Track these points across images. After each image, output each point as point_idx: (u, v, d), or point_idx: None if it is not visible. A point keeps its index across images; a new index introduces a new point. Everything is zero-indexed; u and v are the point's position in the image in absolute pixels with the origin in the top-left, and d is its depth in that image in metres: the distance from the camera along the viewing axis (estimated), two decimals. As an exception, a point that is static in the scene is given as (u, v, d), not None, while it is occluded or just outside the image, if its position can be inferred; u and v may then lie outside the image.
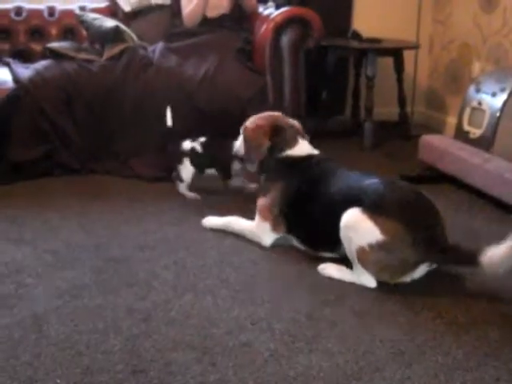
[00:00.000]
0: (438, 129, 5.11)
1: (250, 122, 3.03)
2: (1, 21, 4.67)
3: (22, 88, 3.84)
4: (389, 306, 2.41)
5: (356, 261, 2.53)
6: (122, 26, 4.33)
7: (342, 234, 2.54)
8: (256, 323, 2.27)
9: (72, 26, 4.73)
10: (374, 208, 2.48)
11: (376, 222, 2.44)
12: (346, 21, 5.19)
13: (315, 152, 2.97)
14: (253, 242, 2.92)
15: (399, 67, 4.88)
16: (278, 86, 4.11)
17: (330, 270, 2.64)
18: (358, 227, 2.48)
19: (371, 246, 2.45)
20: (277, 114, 3.08)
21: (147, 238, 2.97)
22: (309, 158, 2.92)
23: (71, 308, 2.36)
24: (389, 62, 4.91)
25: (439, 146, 3.89)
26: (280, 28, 4.07)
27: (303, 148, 2.96)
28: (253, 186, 3.50)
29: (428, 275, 2.59)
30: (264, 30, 4.14)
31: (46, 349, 2.11)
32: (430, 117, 5.38)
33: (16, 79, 3.91)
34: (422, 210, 2.55)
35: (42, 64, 4.07)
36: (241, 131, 3.06)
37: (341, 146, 4.62)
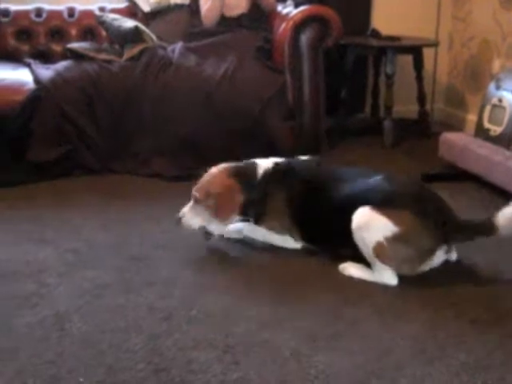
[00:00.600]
0: (458, 126, 5.08)
1: (205, 187, 2.80)
2: (21, 22, 4.70)
3: (42, 89, 3.87)
4: (410, 304, 2.40)
5: (375, 260, 2.52)
6: (142, 27, 4.34)
7: (356, 236, 2.54)
8: (277, 322, 2.28)
9: (92, 27, 4.75)
10: (383, 203, 2.50)
11: (388, 216, 2.46)
12: (365, 19, 5.17)
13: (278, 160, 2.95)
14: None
15: (419, 65, 4.86)
16: (298, 85, 4.11)
17: (350, 269, 2.64)
18: (370, 225, 2.49)
19: (388, 240, 2.45)
20: (217, 170, 2.87)
21: (167, 237, 2.97)
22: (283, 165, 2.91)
23: (93, 307, 2.38)
24: (408, 59, 4.89)
25: (459, 144, 3.87)
26: (299, 27, 4.07)
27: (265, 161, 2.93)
28: None
29: (450, 272, 2.58)
30: (283, 29, 4.14)
31: (69, 348, 2.12)
32: (450, 114, 5.35)
33: (37, 80, 3.93)
34: (427, 197, 2.59)
35: (62, 65, 4.09)
36: (194, 201, 2.82)
37: (361, 144, 4.62)
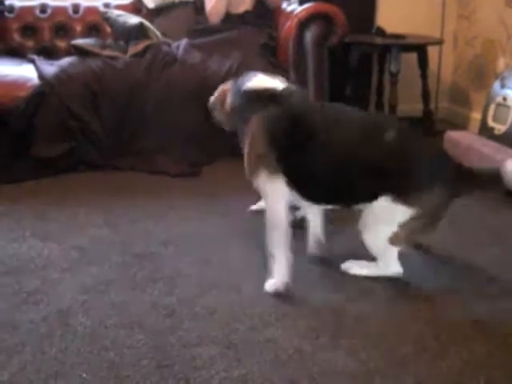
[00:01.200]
0: (462, 125, 5.09)
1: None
2: (26, 18, 4.72)
3: (46, 85, 3.87)
4: (413, 303, 2.40)
5: (386, 250, 2.50)
6: (146, 23, 4.35)
7: (368, 231, 2.50)
8: (280, 319, 2.28)
9: (96, 23, 4.77)
10: (401, 187, 2.41)
11: (405, 202, 2.40)
12: (369, 17, 5.17)
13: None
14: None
15: (423, 63, 4.86)
16: (302, 82, 4.11)
17: (354, 268, 2.62)
18: (386, 218, 2.45)
19: (404, 226, 2.43)
20: None
21: (171, 234, 2.98)
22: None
23: (97, 303, 2.38)
24: (413, 57, 4.89)
25: (463, 143, 3.88)
26: (304, 24, 4.07)
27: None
28: None
29: (453, 271, 2.58)
30: (288, 26, 4.15)
31: (72, 343, 2.13)
32: (455, 113, 5.35)
33: (41, 76, 3.93)
34: (428, 157, 2.45)
35: (66, 61, 4.10)
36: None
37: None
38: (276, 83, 2.58)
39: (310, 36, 4.07)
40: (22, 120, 3.76)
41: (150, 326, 2.23)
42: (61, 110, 3.84)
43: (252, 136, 2.50)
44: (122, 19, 4.38)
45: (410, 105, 5.05)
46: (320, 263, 2.70)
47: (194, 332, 2.19)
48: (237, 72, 3.96)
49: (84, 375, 1.96)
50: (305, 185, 2.52)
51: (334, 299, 2.43)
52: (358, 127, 2.48)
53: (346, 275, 2.60)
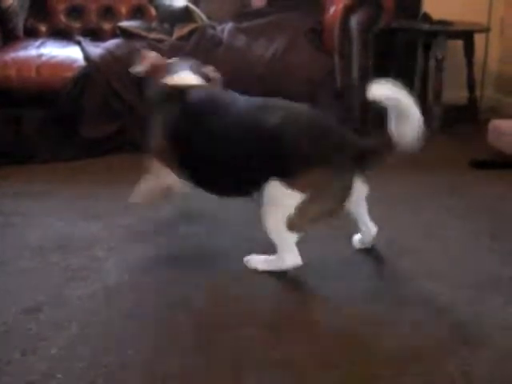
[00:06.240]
0: (507, 113, 5.01)
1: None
2: (72, 0, 4.75)
3: (92, 66, 3.90)
4: (456, 290, 2.37)
5: (281, 239, 2.42)
6: (192, 6, 4.35)
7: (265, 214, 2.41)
8: (324, 302, 2.29)
9: (141, 6, 4.78)
10: (285, 170, 2.32)
11: (294, 186, 2.31)
12: (416, 3, 5.12)
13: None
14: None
15: (469, 50, 4.80)
16: (347, 67, 4.09)
17: (253, 261, 2.53)
18: (278, 202, 2.36)
19: (298, 210, 2.33)
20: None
21: (220, 213, 3.02)
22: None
23: (141, 282, 2.41)
24: (459, 44, 4.83)
25: (508, 131, 3.83)
26: (350, 9, 4.04)
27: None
28: None
29: (502, 259, 2.56)
30: (334, 11, 4.12)
31: (117, 320, 2.16)
32: (500, 101, 5.28)
33: (87, 57, 3.96)
34: (313, 139, 2.33)
35: (112, 42, 4.12)
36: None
37: (408, 129, 4.59)
38: (193, 80, 2.71)
39: (355, 21, 4.04)
40: (69, 101, 3.80)
41: (192, 306, 2.25)
42: (106, 92, 3.87)
43: (154, 131, 2.67)
44: (167, 2, 4.39)
45: (454, 92, 4.99)
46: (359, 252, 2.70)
47: (237, 312, 2.20)
48: (282, 56, 3.97)
49: (129, 352, 1.99)
50: (203, 179, 2.60)
51: (375, 284, 2.43)
52: (244, 116, 2.44)
53: (379, 264, 2.60)
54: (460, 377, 1.88)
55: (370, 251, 2.68)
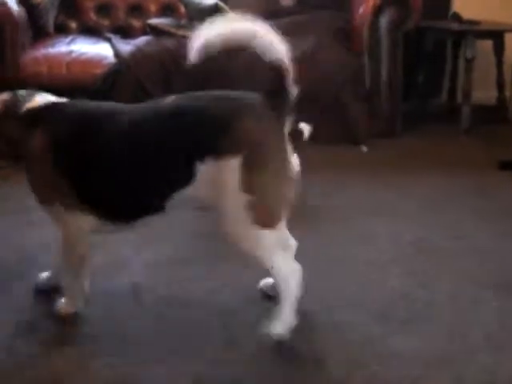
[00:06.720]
0: (537, 114, 4.99)
1: None
2: (101, -2, 4.80)
3: (122, 63, 3.93)
4: (483, 292, 2.37)
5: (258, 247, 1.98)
6: (221, 4, 4.36)
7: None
8: (352, 302, 2.29)
9: (171, 3, 4.82)
10: None
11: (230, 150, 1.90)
12: (446, 2, 5.10)
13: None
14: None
15: (499, 50, 4.77)
16: (375, 67, 4.08)
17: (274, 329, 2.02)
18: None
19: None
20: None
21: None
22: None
23: (166, 279, 2.43)
24: (488, 44, 4.80)
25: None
26: (379, 8, 4.04)
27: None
28: None
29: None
30: (363, 10, 4.11)
31: (142, 318, 2.17)
32: (529, 102, 5.25)
33: (117, 54, 4.00)
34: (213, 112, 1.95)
35: (142, 40, 4.15)
36: None
37: (436, 129, 4.58)
38: (47, 99, 2.15)
39: (385, 21, 4.04)
40: (98, 97, 3.82)
41: (220, 305, 2.25)
42: (135, 89, 3.90)
43: (35, 162, 2.05)
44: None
45: (483, 92, 4.96)
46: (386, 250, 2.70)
47: (266, 312, 2.20)
48: (311, 55, 3.96)
49: (153, 348, 1.99)
50: (114, 203, 2.06)
51: (405, 284, 2.41)
52: (136, 112, 2.05)
53: (413, 263, 2.59)
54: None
55: (400, 249, 2.68)
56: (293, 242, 2.29)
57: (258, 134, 1.90)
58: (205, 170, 1.89)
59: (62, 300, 2.19)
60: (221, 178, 1.88)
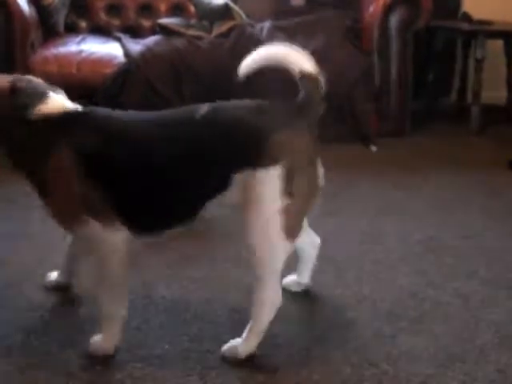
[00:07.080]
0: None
1: None
2: (112, -3, 4.80)
3: (132, 62, 3.94)
4: (492, 290, 2.38)
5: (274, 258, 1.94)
6: (231, 4, 4.37)
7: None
8: (361, 302, 2.29)
9: (180, 3, 4.81)
10: None
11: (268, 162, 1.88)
12: (456, 2, 5.09)
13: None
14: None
15: (509, 50, 4.76)
16: (385, 66, 4.08)
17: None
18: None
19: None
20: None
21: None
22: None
23: (179, 278, 2.43)
24: (499, 44, 4.79)
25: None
26: (389, 7, 4.04)
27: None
28: None
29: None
30: (373, 10, 4.11)
31: (155, 316, 2.18)
32: (540, 102, 5.23)
33: (127, 54, 4.01)
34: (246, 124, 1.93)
35: (152, 39, 4.16)
36: None
37: (445, 129, 4.58)
38: (67, 103, 2.00)
39: (395, 20, 4.04)
40: (107, 96, 3.84)
41: (231, 302, 2.26)
42: (145, 88, 3.91)
43: (60, 175, 1.88)
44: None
45: (493, 92, 4.95)
46: (396, 249, 2.69)
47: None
48: (321, 55, 3.96)
49: (166, 346, 2.00)
50: (151, 213, 1.98)
51: (414, 283, 2.42)
52: (169, 124, 2.00)
53: (424, 261, 2.59)
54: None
55: (409, 249, 2.68)
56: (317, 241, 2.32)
57: (297, 143, 1.91)
58: (241, 178, 1.88)
59: (99, 337, 1.99)
60: (256, 185, 1.87)
